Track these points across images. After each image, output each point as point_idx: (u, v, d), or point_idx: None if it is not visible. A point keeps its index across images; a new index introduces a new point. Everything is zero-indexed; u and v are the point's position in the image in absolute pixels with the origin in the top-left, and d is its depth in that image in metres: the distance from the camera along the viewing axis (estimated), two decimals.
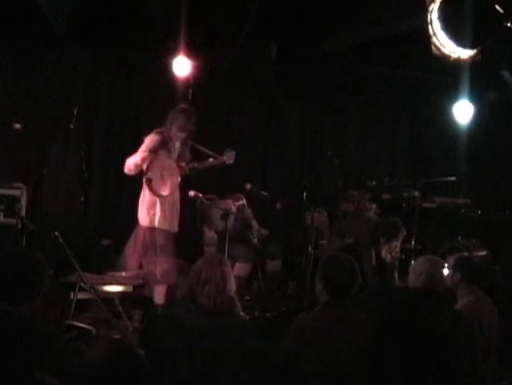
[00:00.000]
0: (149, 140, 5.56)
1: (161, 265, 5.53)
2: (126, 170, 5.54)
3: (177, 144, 5.63)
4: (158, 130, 5.63)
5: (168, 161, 5.61)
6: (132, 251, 5.63)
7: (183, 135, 5.62)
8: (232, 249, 6.09)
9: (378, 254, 6.80)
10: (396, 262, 6.85)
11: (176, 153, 5.64)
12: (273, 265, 6.53)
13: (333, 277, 3.49)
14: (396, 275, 6.91)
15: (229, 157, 5.83)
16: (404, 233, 6.80)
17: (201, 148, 5.86)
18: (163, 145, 5.57)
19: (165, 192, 5.54)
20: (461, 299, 4.14)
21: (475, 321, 3.99)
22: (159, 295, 5.58)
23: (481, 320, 4.07)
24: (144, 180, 5.56)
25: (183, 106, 5.72)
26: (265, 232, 6.75)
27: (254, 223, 6.71)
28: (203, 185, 6.64)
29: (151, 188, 5.51)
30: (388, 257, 6.74)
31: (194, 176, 5.96)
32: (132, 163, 5.51)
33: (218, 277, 3.31)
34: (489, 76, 7.60)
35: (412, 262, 4.09)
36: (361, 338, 3.41)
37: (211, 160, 5.83)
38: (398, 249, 6.80)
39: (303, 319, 3.47)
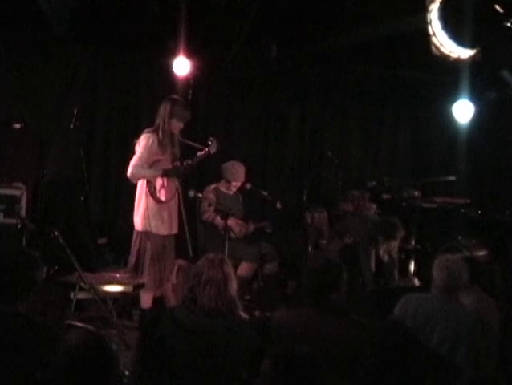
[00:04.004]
0: (145, 142, 5.40)
1: (148, 274, 5.46)
2: (130, 175, 5.39)
3: (169, 142, 5.47)
4: (149, 130, 5.48)
5: (167, 164, 5.49)
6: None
7: (182, 125, 5.49)
8: (237, 248, 6.09)
9: (377, 254, 6.82)
10: (396, 261, 6.87)
11: (169, 152, 5.53)
12: (269, 267, 6.53)
13: (305, 279, 3.51)
14: (396, 275, 6.93)
15: (213, 147, 5.64)
16: (403, 233, 6.80)
17: (190, 143, 5.79)
18: (160, 147, 5.44)
19: (166, 197, 5.49)
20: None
21: (478, 320, 4.00)
22: (145, 300, 5.50)
23: (484, 319, 4.08)
24: (143, 185, 5.46)
25: (174, 96, 5.58)
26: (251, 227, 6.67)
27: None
28: (203, 185, 6.64)
29: (154, 195, 5.42)
30: (386, 257, 6.76)
31: (191, 175, 5.89)
32: (138, 168, 5.36)
33: (219, 277, 3.30)
34: (489, 76, 7.60)
35: (436, 261, 4.03)
36: (344, 345, 3.35)
37: (199, 153, 5.65)
38: (396, 250, 6.81)
39: (281, 317, 3.48)
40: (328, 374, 2.28)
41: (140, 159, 5.37)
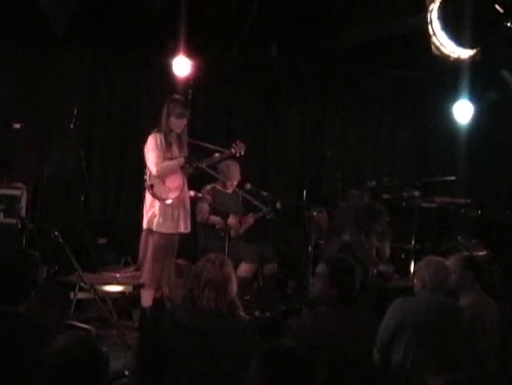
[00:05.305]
0: (154, 141, 5.49)
1: (149, 271, 5.50)
2: (158, 173, 5.47)
3: (176, 142, 5.57)
4: (155, 130, 5.56)
5: None
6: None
7: (183, 122, 5.55)
8: (237, 249, 6.08)
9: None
10: (387, 248, 6.85)
11: (177, 152, 5.61)
12: (268, 267, 6.53)
13: (343, 279, 3.49)
14: (395, 273, 6.92)
15: (238, 149, 5.80)
16: (387, 219, 6.79)
17: (205, 145, 5.83)
18: (164, 147, 5.51)
19: (169, 196, 5.51)
20: (464, 298, 4.16)
21: (479, 318, 4.01)
22: (145, 298, 5.53)
23: (484, 318, 4.09)
24: (146, 185, 5.52)
25: (172, 96, 5.65)
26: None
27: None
28: (202, 185, 6.63)
29: (153, 195, 5.46)
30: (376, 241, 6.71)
31: (197, 175, 5.94)
32: (161, 164, 5.46)
33: (219, 278, 3.25)
34: (489, 76, 7.60)
35: (421, 262, 4.05)
36: (366, 339, 3.39)
37: (217, 154, 5.78)
38: (385, 235, 6.78)
39: (302, 323, 3.47)
40: (319, 371, 2.23)
41: (158, 156, 5.48)
